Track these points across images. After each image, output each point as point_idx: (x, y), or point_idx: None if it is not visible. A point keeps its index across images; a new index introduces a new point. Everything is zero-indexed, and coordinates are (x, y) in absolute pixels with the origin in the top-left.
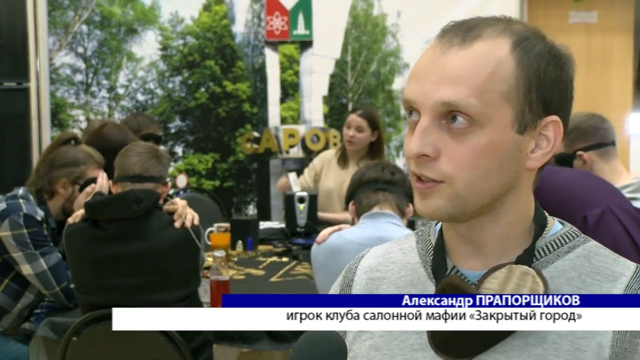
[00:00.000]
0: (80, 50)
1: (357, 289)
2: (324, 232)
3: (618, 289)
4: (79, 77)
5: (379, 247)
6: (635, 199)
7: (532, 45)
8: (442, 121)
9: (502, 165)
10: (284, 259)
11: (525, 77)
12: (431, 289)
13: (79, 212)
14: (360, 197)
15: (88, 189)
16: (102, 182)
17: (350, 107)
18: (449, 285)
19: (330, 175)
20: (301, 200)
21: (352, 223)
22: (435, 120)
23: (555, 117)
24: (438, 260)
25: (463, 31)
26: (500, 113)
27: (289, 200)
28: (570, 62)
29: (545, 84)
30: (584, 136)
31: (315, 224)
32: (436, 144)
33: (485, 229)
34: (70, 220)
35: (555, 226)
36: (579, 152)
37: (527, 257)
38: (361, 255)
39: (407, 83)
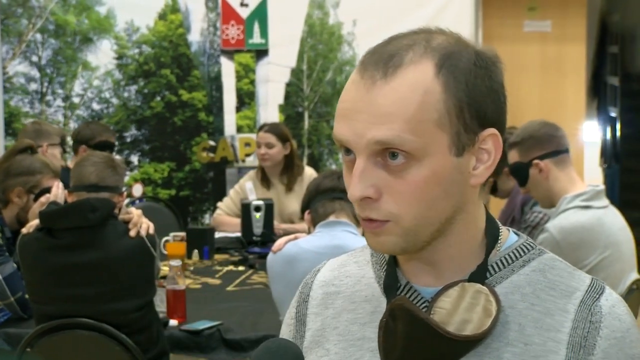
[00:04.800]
0: (34, 59)
1: (313, 304)
2: (280, 241)
3: (572, 305)
4: (33, 86)
5: (336, 259)
6: (589, 207)
7: (457, 61)
8: (377, 159)
9: (446, 191)
10: (240, 268)
11: (455, 99)
12: (384, 305)
13: (34, 222)
14: (316, 205)
15: (42, 198)
16: (57, 191)
17: (306, 115)
18: (399, 307)
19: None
20: (257, 209)
21: (308, 232)
22: (371, 159)
23: (492, 130)
24: (390, 276)
25: (383, 62)
26: (436, 141)
27: (245, 209)
28: (497, 66)
29: (476, 100)
30: (540, 144)
31: (272, 233)
32: (377, 184)
33: (436, 250)
34: (24, 230)
35: (510, 238)
36: (536, 161)
37: (480, 274)
38: (317, 268)
39: (336, 122)
